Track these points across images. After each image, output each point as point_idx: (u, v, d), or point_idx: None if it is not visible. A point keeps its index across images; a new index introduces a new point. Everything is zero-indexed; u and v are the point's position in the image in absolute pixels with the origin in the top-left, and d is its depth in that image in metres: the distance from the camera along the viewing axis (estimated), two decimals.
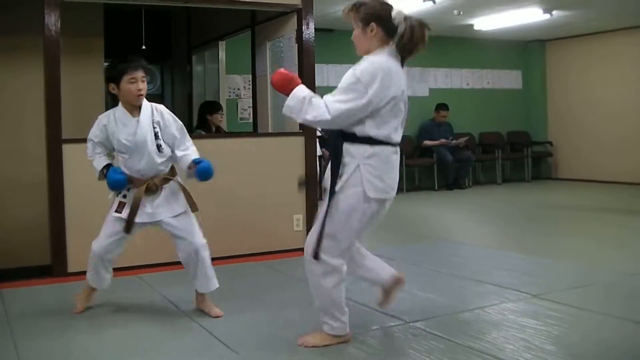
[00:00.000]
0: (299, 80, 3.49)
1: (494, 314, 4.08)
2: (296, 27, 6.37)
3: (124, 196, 4.16)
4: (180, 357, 3.52)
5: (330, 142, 3.51)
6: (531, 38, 12.75)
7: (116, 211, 4.17)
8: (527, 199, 10.29)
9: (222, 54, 9.07)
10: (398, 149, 3.50)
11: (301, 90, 3.41)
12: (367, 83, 3.29)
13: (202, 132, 7.54)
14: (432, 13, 9.78)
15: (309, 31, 6.33)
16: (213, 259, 5.53)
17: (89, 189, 5.40)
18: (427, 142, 11.78)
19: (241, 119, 10.32)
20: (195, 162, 4.08)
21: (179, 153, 4.16)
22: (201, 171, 4.06)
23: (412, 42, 3.40)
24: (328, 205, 3.46)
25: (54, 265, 5.37)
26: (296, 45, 6.39)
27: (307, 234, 6.21)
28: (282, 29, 6.71)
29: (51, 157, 5.33)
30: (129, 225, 4.13)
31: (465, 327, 3.85)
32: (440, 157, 11.62)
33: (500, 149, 12.46)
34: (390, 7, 3.44)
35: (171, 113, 4.23)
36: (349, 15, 3.51)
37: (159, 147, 4.11)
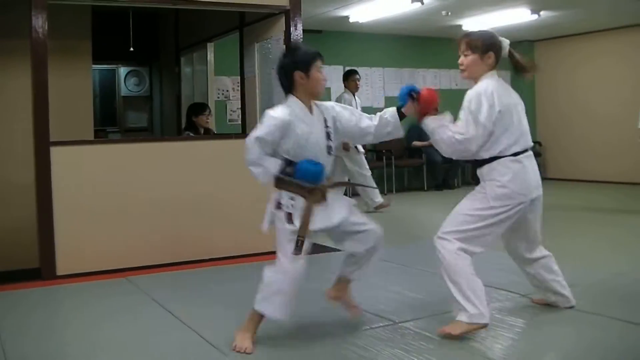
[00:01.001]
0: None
1: None
2: (284, 29, 6.37)
3: (291, 205, 3.58)
4: (168, 358, 3.52)
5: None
6: (519, 38, 12.77)
7: (288, 223, 3.59)
8: None
9: (210, 56, 9.05)
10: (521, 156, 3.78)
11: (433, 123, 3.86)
12: (476, 110, 3.71)
13: (190, 134, 7.52)
14: (421, 14, 9.82)
15: (297, 32, 6.34)
16: (203, 261, 5.56)
17: (77, 191, 5.42)
18: (416, 143, 11.78)
19: (230, 120, 10.31)
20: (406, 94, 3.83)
21: (373, 126, 3.81)
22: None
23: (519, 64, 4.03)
24: None
25: (43, 268, 5.35)
26: (284, 46, 6.39)
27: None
28: (270, 30, 6.71)
29: (39, 159, 5.32)
30: (300, 242, 3.59)
31: None
32: (429, 158, 11.64)
33: None
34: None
35: (337, 103, 3.89)
36: (467, 41, 3.89)
37: (329, 148, 3.69)
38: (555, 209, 9.00)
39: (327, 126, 3.69)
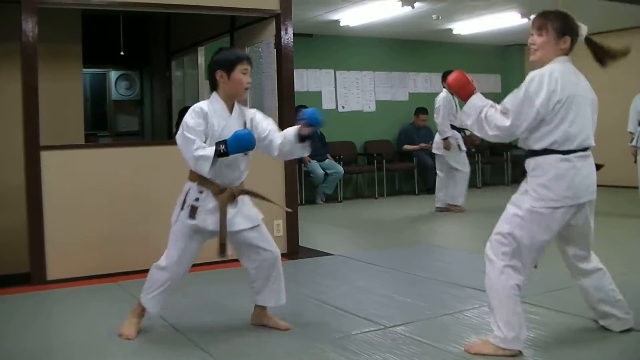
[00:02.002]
0: (474, 86, 3.62)
1: (473, 318, 4.11)
2: (275, 33, 6.38)
3: (197, 199, 3.75)
4: None
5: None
6: (510, 42, 12.83)
7: (190, 217, 3.75)
8: (507, 203, 10.29)
9: (201, 59, 9.04)
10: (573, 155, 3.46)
11: (478, 99, 3.57)
12: (533, 92, 3.37)
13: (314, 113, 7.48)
14: (411, 18, 9.83)
15: (288, 36, 6.34)
16: (201, 264, 5.55)
17: (68, 195, 5.40)
18: (407, 147, 11.80)
19: None
20: (301, 119, 3.80)
21: (279, 140, 3.86)
22: (309, 115, 3.76)
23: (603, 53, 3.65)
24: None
25: (33, 272, 5.33)
26: (275, 50, 6.40)
27: (287, 239, 6.27)
28: (261, 34, 6.71)
29: (29, 163, 5.29)
30: (223, 240, 3.77)
31: (444, 331, 3.87)
32: (420, 162, 11.65)
33: (480, 153, 12.50)
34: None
35: (260, 112, 3.99)
36: (544, 20, 3.54)
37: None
38: None
39: (245, 127, 3.80)
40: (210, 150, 3.58)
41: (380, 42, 11.91)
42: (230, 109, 3.81)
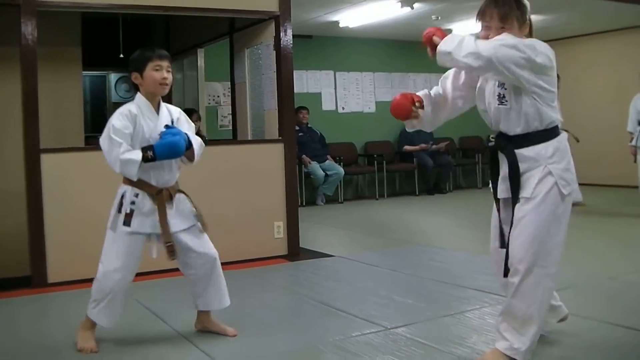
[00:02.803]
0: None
1: (474, 319, 4.10)
2: (274, 34, 6.38)
3: (132, 202, 3.68)
4: None
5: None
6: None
7: (124, 224, 3.68)
8: None
9: (200, 61, 9.06)
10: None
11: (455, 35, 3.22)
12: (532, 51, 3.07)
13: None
14: (411, 19, 9.83)
15: (287, 38, 6.34)
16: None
17: (68, 198, 5.39)
18: (408, 147, 11.80)
19: (221, 126, 10.30)
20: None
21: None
22: (157, 147, 3.61)
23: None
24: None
25: (34, 275, 5.33)
26: (274, 52, 6.40)
27: (288, 240, 6.27)
28: (261, 36, 6.71)
29: (29, 166, 5.30)
30: (168, 240, 3.71)
31: (445, 332, 3.86)
32: (420, 162, 11.64)
33: (481, 153, 12.50)
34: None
35: (184, 114, 3.96)
36: (500, 13, 3.20)
37: None
38: None
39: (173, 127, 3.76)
40: (137, 154, 3.55)
41: (380, 43, 11.92)
42: (157, 109, 3.77)
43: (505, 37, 3.12)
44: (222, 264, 5.82)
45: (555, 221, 3.19)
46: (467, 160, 12.66)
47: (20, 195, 5.43)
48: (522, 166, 3.21)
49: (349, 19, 9.90)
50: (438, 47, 3.22)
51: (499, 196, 3.40)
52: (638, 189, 8.25)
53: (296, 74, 6.98)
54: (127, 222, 3.66)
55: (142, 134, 3.65)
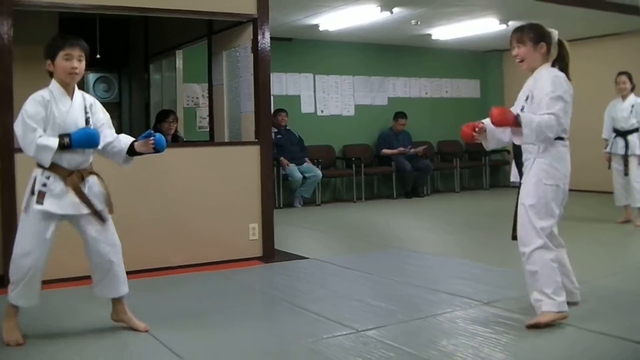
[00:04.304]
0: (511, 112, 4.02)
1: (445, 322, 4.12)
2: (252, 37, 6.39)
3: (44, 185, 3.77)
4: None
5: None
6: (488, 48, 12.89)
7: (37, 203, 3.76)
8: (485, 207, 10.38)
9: (179, 63, 9.05)
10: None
11: (527, 118, 3.92)
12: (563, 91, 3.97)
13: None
14: (390, 23, 9.87)
15: (265, 41, 6.35)
16: (169, 268, 5.54)
17: None
18: (386, 151, 11.83)
19: (200, 127, 10.28)
20: (146, 136, 3.92)
21: (110, 138, 3.97)
22: (159, 139, 3.94)
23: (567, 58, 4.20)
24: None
25: (5, 275, 5.28)
26: (252, 54, 6.41)
27: (263, 242, 6.28)
28: (238, 38, 6.72)
29: (3, 165, 5.27)
30: (93, 208, 3.85)
31: (416, 335, 3.88)
32: (398, 166, 11.67)
33: (459, 158, 12.56)
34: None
35: (98, 102, 4.09)
36: (520, 34, 4.14)
37: None
38: None
39: (86, 112, 3.91)
40: (53, 141, 3.69)
41: (359, 46, 11.95)
42: (71, 95, 3.88)
43: (554, 102, 3.94)
44: (197, 265, 5.91)
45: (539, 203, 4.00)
46: (446, 165, 12.71)
47: None
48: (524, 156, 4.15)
49: (329, 22, 9.91)
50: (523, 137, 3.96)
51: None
52: (613, 194, 8.31)
53: (275, 76, 7.01)
54: (39, 201, 3.76)
55: (53, 119, 3.76)
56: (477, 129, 4.20)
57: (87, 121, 3.89)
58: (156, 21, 8.62)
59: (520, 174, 4.19)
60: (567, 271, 4.23)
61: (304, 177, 10.55)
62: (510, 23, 10.20)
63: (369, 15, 9.34)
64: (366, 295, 4.86)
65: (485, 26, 10.37)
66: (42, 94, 3.80)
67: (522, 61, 4.13)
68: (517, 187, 4.26)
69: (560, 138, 4.01)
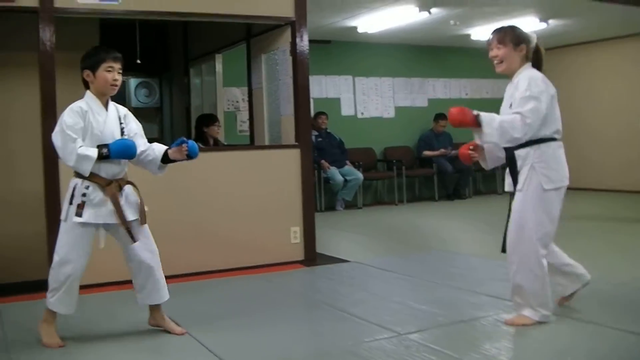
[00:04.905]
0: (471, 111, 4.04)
1: (488, 325, 4.08)
2: (290, 40, 6.39)
3: (84, 194, 3.83)
4: None
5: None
6: None
7: (76, 215, 3.82)
8: None
9: (218, 67, 9.08)
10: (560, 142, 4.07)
11: (488, 117, 3.96)
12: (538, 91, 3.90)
13: (200, 145, 7.54)
14: (429, 23, 9.83)
15: (303, 43, 6.36)
16: (211, 272, 5.56)
17: None
18: (427, 153, 11.77)
19: (240, 131, 10.31)
20: (179, 143, 4.01)
21: (143, 147, 4.06)
22: (192, 145, 4.03)
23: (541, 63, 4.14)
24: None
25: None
26: (290, 57, 6.41)
27: (305, 245, 6.28)
28: (277, 41, 6.74)
29: (48, 170, 5.34)
30: (127, 226, 3.90)
31: (458, 338, 3.85)
32: (440, 168, 11.62)
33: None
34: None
35: (130, 113, 4.19)
36: (501, 35, 4.11)
37: None
38: (563, 218, 8.96)
39: (121, 123, 4.00)
40: (93, 152, 3.77)
41: (398, 48, 11.91)
42: (105, 106, 3.96)
43: (525, 102, 3.89)
44: (238, 268, 5.92)
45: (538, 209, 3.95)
46: None
47: (37, 200, 5.48)
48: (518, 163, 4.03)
49: (367, 24, 9.89)
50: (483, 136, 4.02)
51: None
52: None
53: (315, 79, 7.00)
54: (79, 213, 3.83)
55: (91, 130, 3.84)
56: (471, 147, 4.24)
57: (122, 131, 3.97)
58: (195, 25, 8.67)
59: (515, 182, 4.08)
60: (562, 262, 4.25)
61: (345, 180, 10.54)
62: (551, 21, 10.10)
63: (407, 16, 9.30)
64: (407, 298, 4.83)
65: (525, 25, 10.21)
66: (80, 104, 3.88)
67: (501, 62, 4.10)
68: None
69: (553, 139, 3.99)
